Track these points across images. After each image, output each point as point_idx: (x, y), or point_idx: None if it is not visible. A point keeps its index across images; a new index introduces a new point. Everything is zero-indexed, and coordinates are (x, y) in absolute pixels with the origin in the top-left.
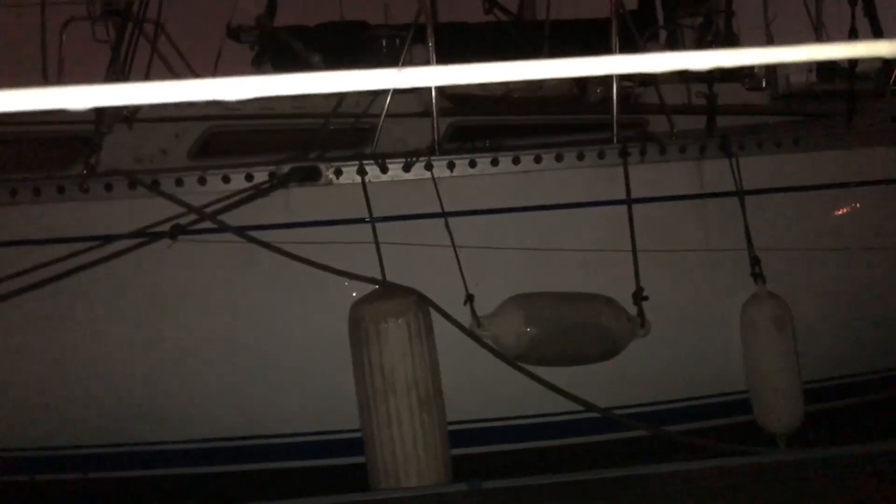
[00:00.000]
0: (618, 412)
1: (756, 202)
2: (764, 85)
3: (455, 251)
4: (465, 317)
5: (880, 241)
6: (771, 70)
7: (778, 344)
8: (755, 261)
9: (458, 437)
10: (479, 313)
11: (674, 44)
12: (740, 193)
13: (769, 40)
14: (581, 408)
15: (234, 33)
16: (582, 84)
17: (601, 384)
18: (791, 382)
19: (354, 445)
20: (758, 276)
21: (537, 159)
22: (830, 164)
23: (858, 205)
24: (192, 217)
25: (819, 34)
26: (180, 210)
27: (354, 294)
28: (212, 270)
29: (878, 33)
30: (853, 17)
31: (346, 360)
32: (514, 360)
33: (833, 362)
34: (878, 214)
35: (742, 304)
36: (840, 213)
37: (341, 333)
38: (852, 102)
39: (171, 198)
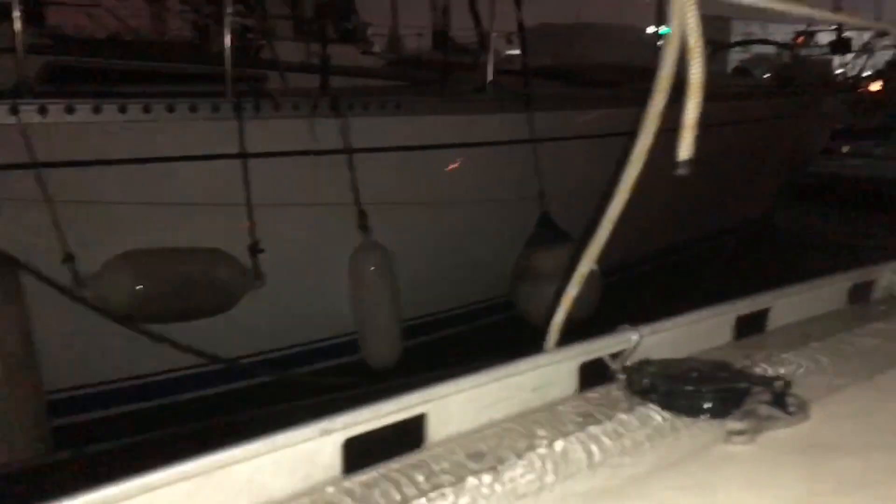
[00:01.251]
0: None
1: (363, 160)
2: (378, 49)
3: (52, 206)
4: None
5: (468, 197)
6: (394, 37)
7: (380, 286)
8: (362, 214)
9: (69, 404)
10: (83, 272)
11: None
12: (349, 151)
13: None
14: (203, 361)
15: None
16: (204, 33)
17: (220, 336)
18: (390, 320)
19: None
20: (364, 228)
21: (146, 109)
22: (428, 127)
23: (452, 164)
24: None
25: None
26: None
27: None
28: None
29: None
30: None
31: None
32: (125, 318)
33: (432, 300)
34: (468, 173)
35: (350, 254)
36: (436, 171)
37: None
38: (445, 73)
39: None
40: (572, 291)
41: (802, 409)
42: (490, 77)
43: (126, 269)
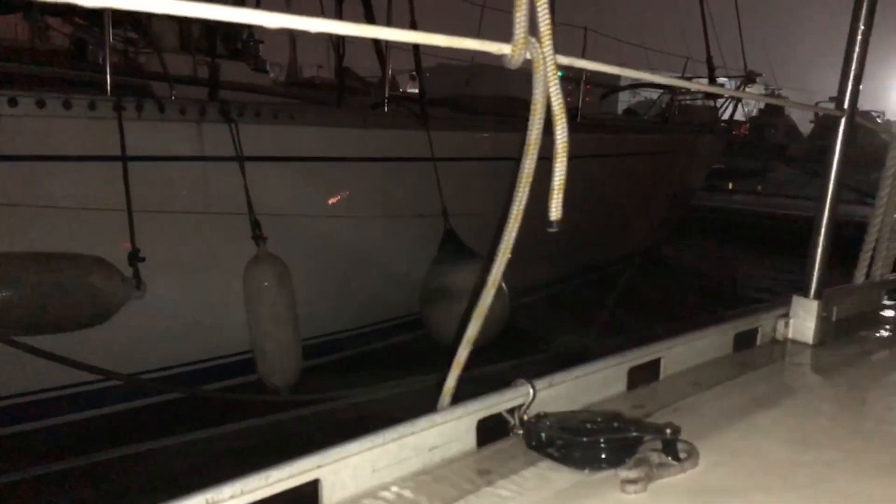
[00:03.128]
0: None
1: (256, 169)
2: (268, 69)
3: None
4: None
5: (369, 212)
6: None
7: (277, 301)
8: (255, 224)
9: None
10: None
11: None
12: (240, 158)
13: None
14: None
15: None
16: (81, 45)
17: (103, 351)
18: (290, 337)
19: None
20: (259, 238)
21: (12, 102)
22: (324, 138)
23: (351, 178)
24: None
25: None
26: None
27: None
28: None
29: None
30: None
31: None
32: None
33: (331, 318)
34: (368, 188)
35: (245, 265)
36: (336, 183)
37: None
38: (341, 92)
39: None
40: (463, 355)
41: (692, 456)
42: (386, 94)
43: None
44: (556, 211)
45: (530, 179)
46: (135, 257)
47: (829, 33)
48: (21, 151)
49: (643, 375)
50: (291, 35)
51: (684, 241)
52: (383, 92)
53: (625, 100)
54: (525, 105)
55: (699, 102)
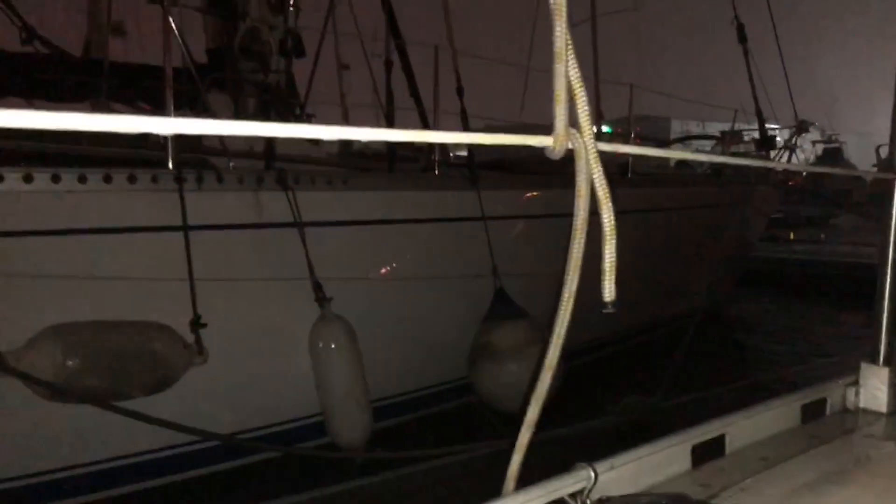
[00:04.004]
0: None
1: (312, 235)
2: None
3: None
4: None
5: (423, 273)
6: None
7: (344, 362)
8: (317, 286)
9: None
10: (10, 347)
11: (238, 93)
12: (299, 224)
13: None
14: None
15: None
16: None
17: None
18: (360, 398)
19: None
20: (322, 300)
21: (82, 179)
22: (377, 202)
23: (404, 239)
24: None
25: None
26: None
27: None
28: None
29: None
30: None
31: None
32: (53, 395)
33: (397, 379)
34: (421, 250)
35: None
36: (390, 246)
37: None
38: (392, 159)
39: None
40: (525, 438)
41: None
42: (437, 157)
43: (54, 342)
44: (609, 293)
45: (580, 263)
46: (196, 323)
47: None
48: (88, 225)
49: (708, 451)
50: (344, 106)
51: (747, 295)
52: (432, 156)
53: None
54: (573, 163)
55: (751, 152)
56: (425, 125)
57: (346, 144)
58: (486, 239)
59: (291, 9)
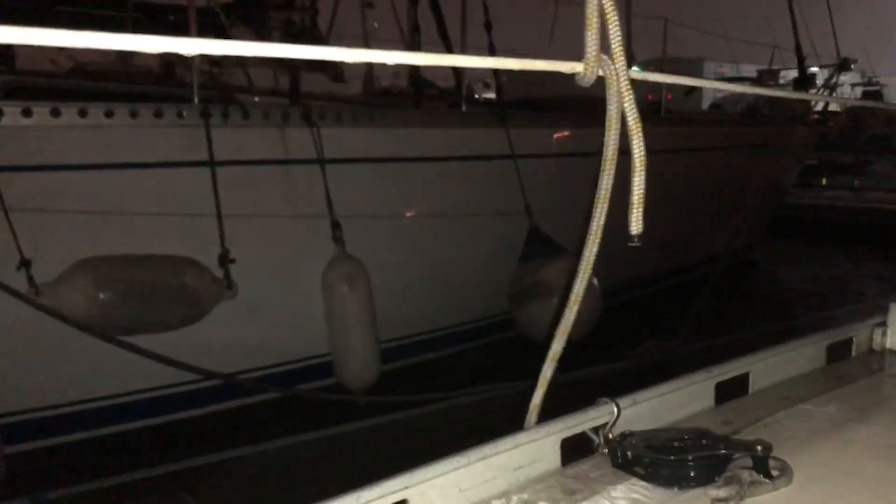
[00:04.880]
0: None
1: (338, 172)
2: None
3: (5, 212)
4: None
5: (450, 211)
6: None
7: (352, 303)
8: (335, 225)
9: (26, 429)
10: (41, 279)
11: (262, 29)
12: (321, 161)
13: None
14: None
15: None
16: (169, 67)
17: (195, 352)
18: (366, 340)
19: None
20: (338, 240)
21: (108, 113)
22: (403, 139)
23: (432, 178)
24: None
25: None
26: None
27: None
28: None
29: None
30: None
31: None
32: (86, 327)
33: (413, 320)
34: (448, 188)
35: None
36: (417, 184)
37: None
38: (418, 96)
39: None
40: (548, 372)
41: (784, 474)
42: (464, 94)
43: (85, 276)
44: (636, 225)
45: (609, 195)
46: (225, 258)
47: None
48: (116, 160)
49: (731, 390)
50: (367, 44)
51: (778, 241)
52: (460, 93)
53: (710, 95)
54: (602, 102)
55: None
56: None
57: (370, 83)
58: (517, 177)
59: None
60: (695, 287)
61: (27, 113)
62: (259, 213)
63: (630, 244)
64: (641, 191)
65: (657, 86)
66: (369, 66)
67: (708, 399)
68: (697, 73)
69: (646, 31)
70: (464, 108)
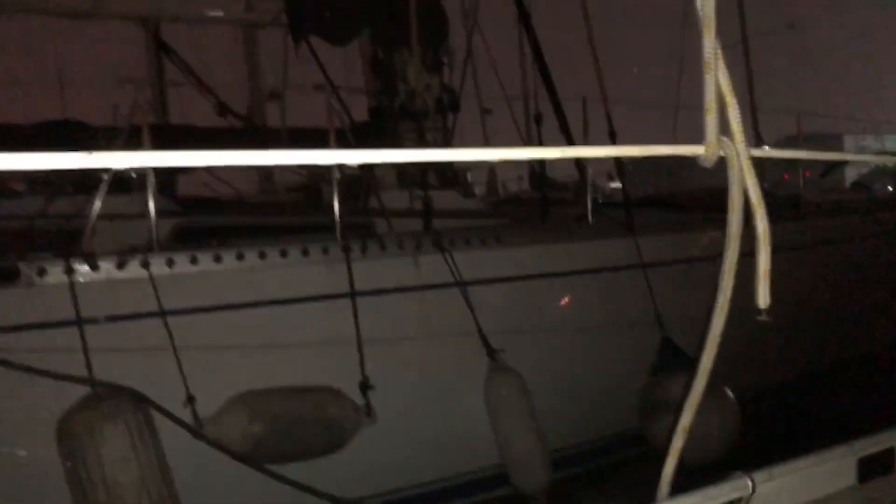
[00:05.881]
0: None
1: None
2: (476, 192)
3: (174, 351)
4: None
5: (588, 323)
6: (492, 179)
7: (522, 412)
8: (485, 340)
9: None
10: (205, 414)
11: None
12: (460, 283)
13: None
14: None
15: None
16: (315, 190)
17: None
18: (536, 444)
19: None
20: (493, 353)
21: (262, 255)
22: (529, 256)
23: (562, 292)
24: None
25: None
26: None
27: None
28: None
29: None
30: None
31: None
32: (243, 458)
33: (571, 430)
34: (583, 300)
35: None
36: (545, 299)
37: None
38: (544, 207)
39: None
40: (678, 443)
41: None
42: (590, 205)
43: (241, 410)
44: (763, 298)
45: (734, 271)
46: (365, 386)
47: None
48: (269, 297)
49: (876, 466)
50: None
51: None
52: (586, 202)
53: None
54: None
55: None
56: (578, 167)
57: (493, 192)
58: (647, 286)
59: (446, 66)
60: (852, 388)
61: (194, 261)
62: (401, 338)
63: (758, 318)
64: (767, 265)
65: (793, 164)
66: (492, 174)
67: (850, 476)
68: (837, 149)
69: (776, 118)
70: (590, 220)
